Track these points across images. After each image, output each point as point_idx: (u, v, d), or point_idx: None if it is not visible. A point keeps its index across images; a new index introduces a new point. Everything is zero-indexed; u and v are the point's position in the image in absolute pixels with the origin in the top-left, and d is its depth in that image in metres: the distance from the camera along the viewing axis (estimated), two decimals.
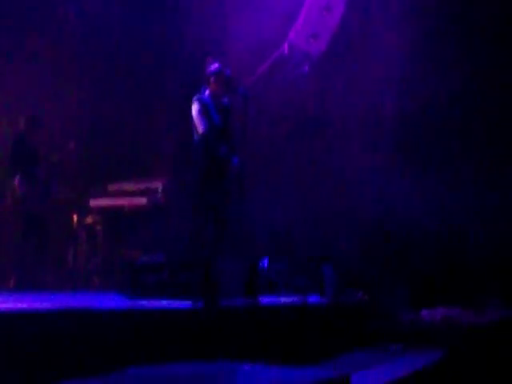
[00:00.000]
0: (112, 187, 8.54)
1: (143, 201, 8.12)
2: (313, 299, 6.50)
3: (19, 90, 8.93)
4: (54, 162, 8.29)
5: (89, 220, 8.66)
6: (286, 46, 9.08)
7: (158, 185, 8.19)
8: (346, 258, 7.73)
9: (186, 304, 5.34)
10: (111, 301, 5.89)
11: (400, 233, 7.94)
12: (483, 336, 5.46)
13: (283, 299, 6.42)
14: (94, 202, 8.48)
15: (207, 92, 6.43)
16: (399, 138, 8.57)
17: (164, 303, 5.46)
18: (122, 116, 9.37)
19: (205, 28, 8.96)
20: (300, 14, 9.05)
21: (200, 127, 6.25)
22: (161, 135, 9.42)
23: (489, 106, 8.29)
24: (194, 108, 6.31)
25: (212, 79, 6.40)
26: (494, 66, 8.25)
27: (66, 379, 3.75)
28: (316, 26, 9.14)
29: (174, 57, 9.29)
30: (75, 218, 8.72)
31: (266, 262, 7.11)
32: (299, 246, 8.32)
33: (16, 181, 7.78)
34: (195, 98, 6.37)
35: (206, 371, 3.97)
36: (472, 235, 7.83)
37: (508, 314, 6.13)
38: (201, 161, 6.26)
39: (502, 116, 8.27)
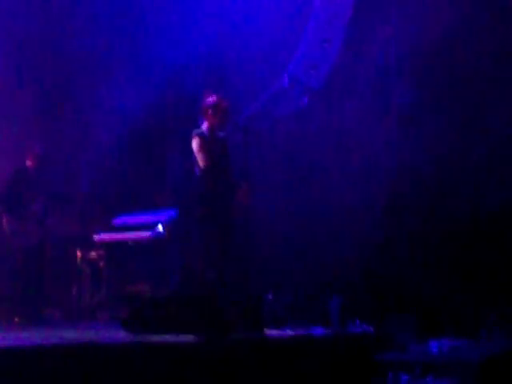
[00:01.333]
0: (115, 222, 8.54)
1: (147, 235, 8.10)
2: (319, 331, 6.45)
3: (24, 125, 9.01)
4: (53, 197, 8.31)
5: (93, 255, 8.67)
6: (285, 77, 9.10)
7: (162, 218, 8.18)
8: (351, 288, 7.66)
9: (190, 338, 5.29)
10: (115, 336, 5.85)
11: (404, 259, 7.83)
12: (493, 367, 5.39)
13: (289, 332, 6.37)
14: (97, 237, 8.47)
15: (205, 125, 6.31)
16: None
17: (168, 338, 5.41)
18: (126, 151, 9.40)
19: (204, 64, 8.99)
20: (299, 45, 9.08)
21: (202, 162, 6.15)
22: (163, 169, 9.43)
23: None
24: (195, 143, 6.19)
25: (210, 112, 6.29)
26: None
27: None
28: (316, 57, 9.17)
29: (176, 90, 9.32)
30: (79, 253, 8.73)
31: (270, 295, 7.06)
32: (304, 277, 8.25)
33: (4, 219, 7.81)
34: (195, 132, 6.25)
35: None
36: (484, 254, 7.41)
37: None
38: (203, 195, 6.20)
39: None
